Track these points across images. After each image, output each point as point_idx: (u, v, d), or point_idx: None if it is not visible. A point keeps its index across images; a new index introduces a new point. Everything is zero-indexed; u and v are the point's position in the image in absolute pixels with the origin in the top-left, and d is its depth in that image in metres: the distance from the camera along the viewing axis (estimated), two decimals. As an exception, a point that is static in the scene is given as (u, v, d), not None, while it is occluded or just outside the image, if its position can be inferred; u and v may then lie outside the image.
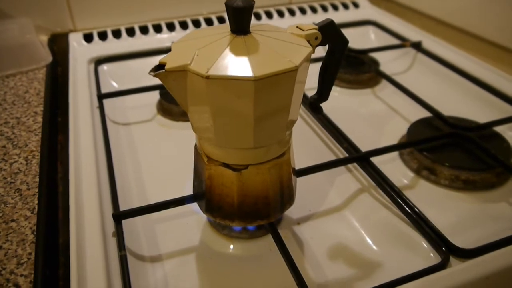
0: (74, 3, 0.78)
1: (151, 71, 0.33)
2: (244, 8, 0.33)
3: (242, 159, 0.38)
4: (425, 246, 0.42)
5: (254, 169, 0.38)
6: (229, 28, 0.35)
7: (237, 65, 0.32)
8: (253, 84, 0.31)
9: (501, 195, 0.50)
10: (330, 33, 0.38)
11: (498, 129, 0.57)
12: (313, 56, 0.37)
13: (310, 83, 0.42)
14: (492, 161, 0.51)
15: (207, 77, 0.31)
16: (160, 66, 0.33)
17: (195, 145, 0.41)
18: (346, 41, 0.40)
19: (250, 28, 0.35)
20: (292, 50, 0.34)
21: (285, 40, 0.35)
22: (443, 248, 0.40)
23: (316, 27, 0.38)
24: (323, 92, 0.43)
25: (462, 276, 0.37)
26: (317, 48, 0.38)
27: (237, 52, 0.33)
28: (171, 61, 0.33)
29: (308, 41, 0.37)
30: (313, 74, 0.42)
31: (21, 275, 0.36)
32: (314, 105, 0.44)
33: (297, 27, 0.38)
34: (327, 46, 0.40)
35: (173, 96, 0.35)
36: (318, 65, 0.43)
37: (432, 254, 0.41)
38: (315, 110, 0.44)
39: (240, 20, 0.34)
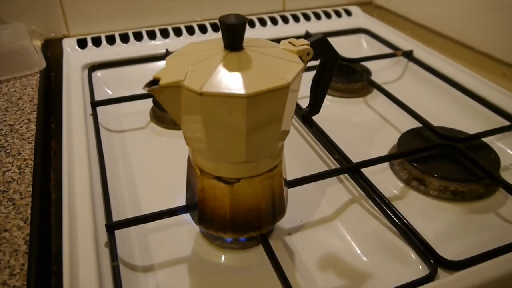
0: (68, 9, 0.78)
1: (145, 86, 0.33)
2: (237, 25, 0.34)
3: (234, 172, 0.38)
4: (414, 257, 0.43)
5: (246, 182, 0.38)
6: (223, 43, 0.36)
7: (230, 82, 0.32)
8: (246, 101, 0.32)
9: (489, 206, 0.50)
10: (321, 48, 0.39)
11: (487, 139, 0.58)
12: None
13: (302, 92, 0.43)
14: (480, 172, 0.52)
15: (201, 94, 0.32)
16: (154, 81, 0.33)
17: (188, 157, 0.41)
18: (337, 56, 0.41)
19: (244, 43, 0.36)
20: (284, 67, 0.35)
21: (278, 56, 0.36)
22: (431, 260, 0.41)
23: (308, 42, 0.38)
24: (315, 105, 0.44)
25: (449, 289, 0.38)
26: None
27: (230, 68, 0.34)
28: (165, 76, 0.33)
29: (300, 57, 0.37)
30: (305, 82, 0.42)
31: (14, 286, 0.36)
32: (306, 118, 0.45)
33: (289, 42, 0.38)
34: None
35: (166, 110, 0.35)
36: (311, 73, 0.43)
37: (420, 266, 0.42)
38: (307, 123, 0.45)
39: (233, 37, 0.35)
